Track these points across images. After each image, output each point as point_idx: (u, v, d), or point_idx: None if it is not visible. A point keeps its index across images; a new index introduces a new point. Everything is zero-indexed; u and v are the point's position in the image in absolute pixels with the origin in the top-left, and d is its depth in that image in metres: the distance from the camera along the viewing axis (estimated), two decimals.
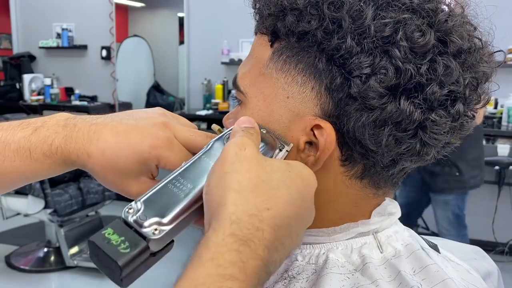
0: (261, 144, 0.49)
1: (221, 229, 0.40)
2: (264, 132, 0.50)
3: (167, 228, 0.44)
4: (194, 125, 0.57)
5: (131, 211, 0.45)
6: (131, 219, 0.44)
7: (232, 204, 0.41)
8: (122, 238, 0.43)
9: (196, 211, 0.47)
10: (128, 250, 0.42)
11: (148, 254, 0.44)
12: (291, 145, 0.51)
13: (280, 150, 0.50)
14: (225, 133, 0.51)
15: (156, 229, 0.44)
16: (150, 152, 0.51)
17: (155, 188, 0.47)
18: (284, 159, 0.50)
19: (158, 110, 0.55)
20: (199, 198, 0.46)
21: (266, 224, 0.41)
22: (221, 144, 0.50)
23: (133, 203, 0.45)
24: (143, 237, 0.44)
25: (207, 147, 0.50)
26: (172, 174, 0.48)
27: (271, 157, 0.49)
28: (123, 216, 0.44)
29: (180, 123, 0.55)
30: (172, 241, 0.46)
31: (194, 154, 0.53)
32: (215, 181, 0.43)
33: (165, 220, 0.45)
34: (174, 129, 0.53)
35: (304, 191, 0.45)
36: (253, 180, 0.42)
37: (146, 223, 0.44)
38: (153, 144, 0.51)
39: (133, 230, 0.44)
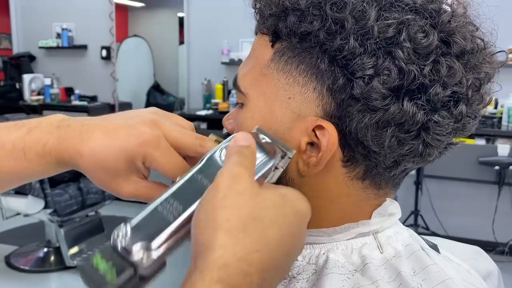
0: (261, 155, 0.47)
1: (208, 274, 0.38)
2: (264, 141, 0.48)
3: (156, 253, 0.43)
4: (191, 123, 0.56)
5: (120, 234, 0.44)
6: (119, 245, 0.43)
7: (220, 246, 0.39)
8: (110, 263, 0.42)
9: (189, 232, 0.45)
10: (115, 279, 0.42)
11: (137, 279, 0.43)
12: (294, 151, 0.48)
13: (282, 158, 0.48)
14: (219, 147, 0.49)
15: (144, 255, 0.43)
16: (136, 149, 0.50)
17: (145, 211, 0.45)
18: (287, 165, 0.48)
19: (150, 109, 0.54)
20: (190, 220, 0.44)
21: (254, 268, 0.39)
22: (215, 161, 0.48)
23: (122, 225, 0.44)
24: (132, 263, 0.43)
25: (200, 162, 0.48)
26: (163, 195, 0.46)
27: (271, 167, 0.47)
28: (111, 241, 0.44)
29: (173, 122, 0.54)
30: (165, 262, 0.45)
31: (181, 155, 0.51)
32: (204, 214, 0.42)
33: (154, 245, 0.43)
34: (163, 127, 0.52)
35: (297, 229, 0.43)
36: (243, 219, 0.40)
37: (134, 250, 0.43)
38: (140, 141, 0.50)
39: (122, 256, 0.43)
